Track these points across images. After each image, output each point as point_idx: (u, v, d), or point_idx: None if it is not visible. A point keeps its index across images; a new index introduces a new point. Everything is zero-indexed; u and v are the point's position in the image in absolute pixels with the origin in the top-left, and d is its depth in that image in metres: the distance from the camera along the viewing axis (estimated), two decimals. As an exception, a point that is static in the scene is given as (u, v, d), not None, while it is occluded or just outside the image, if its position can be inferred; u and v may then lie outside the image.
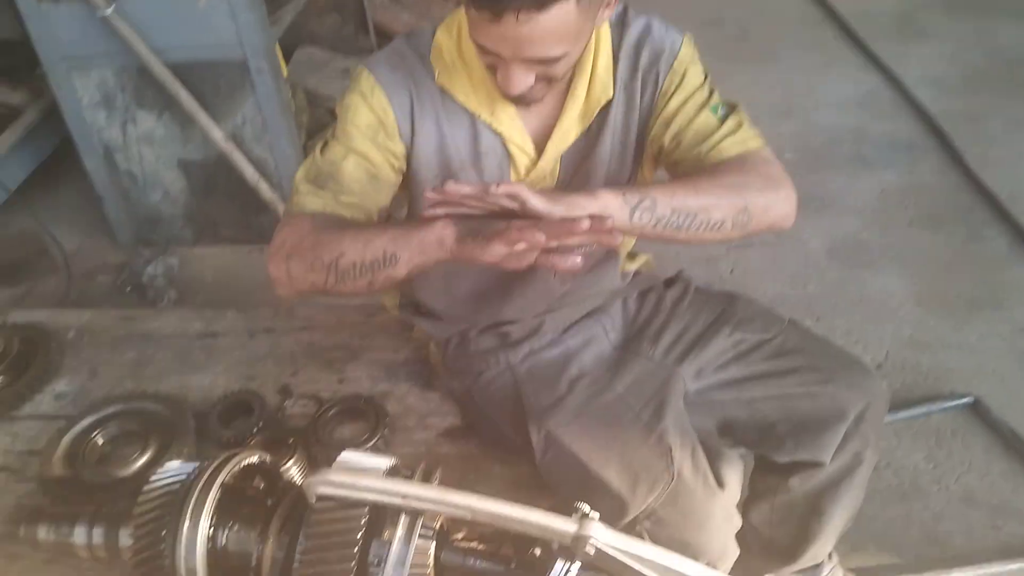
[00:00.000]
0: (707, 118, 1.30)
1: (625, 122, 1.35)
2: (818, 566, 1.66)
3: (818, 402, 1.37)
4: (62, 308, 2.57)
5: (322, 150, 1.31)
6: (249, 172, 2.86)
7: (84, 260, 3.18)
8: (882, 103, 3.69)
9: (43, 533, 1.21)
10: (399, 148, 1.32)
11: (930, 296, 2.65)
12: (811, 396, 1.37)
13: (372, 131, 1.29)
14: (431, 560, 1.06)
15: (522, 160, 1.34)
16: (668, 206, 1.12)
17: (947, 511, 2.01)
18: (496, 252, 1.01)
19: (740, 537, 1.41)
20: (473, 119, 1.31)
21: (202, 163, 2.97)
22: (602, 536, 1.00)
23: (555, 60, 1.16)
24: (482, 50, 1.17)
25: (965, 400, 2.26)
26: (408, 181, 1.37)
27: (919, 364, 2.40)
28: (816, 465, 1.40)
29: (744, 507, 1.55)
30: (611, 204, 1.09)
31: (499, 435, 1.43)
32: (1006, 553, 1.83)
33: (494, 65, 1.19)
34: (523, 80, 1.17)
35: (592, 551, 0.99)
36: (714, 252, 2.87)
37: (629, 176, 1.40)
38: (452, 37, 1.30)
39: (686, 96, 1.31)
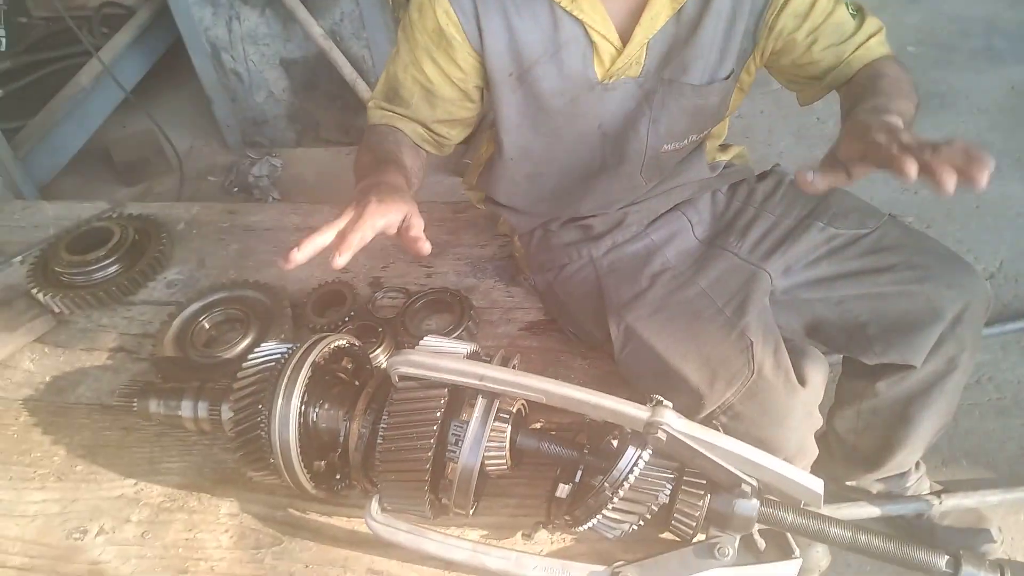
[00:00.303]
0: (843, 14, 1.26)
1: (734, 8, 1.27)
2: (903, 475, 1.63)
3: (913, 301, 1.31)
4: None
5: (392, 60, 1.35)
6: (347, 70, 2.90)
7: (195, 161, 3.33)
8: (1022, -10, 3.37)
9: (154, 406, 1.31)
10: (465, 58, 1.30)
11: (1059, 204, 2.48)
12: (906, 295, 1.31)
13: (436, 38, 1.29)
14: (507, 441, 1.10)
15: (606, 49, 1.28)
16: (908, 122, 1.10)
17: (1052, 429, 1.93)
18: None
19: (823, 443, 1.40)
20: (551, 6, 1.25)
21: (303, 62, 3.03)
22: (674, 423, 1.01)
23: None
24: None
25: (1085, 313, 2.11)
26: (487, 85, 1.35)
27: (1040, 275, 2.26)
28: (906, 368, 1.36)
29: (829, 414, 1.53)
30: None
31: (580, 329, 1.45)
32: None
33: None
34: None
35: (664, 437, 1.01)
36: (818, 152, 2.73)
37: (730, 72, 1.33)
38: None
39: None
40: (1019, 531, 1.61)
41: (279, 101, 3.18)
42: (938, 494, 1.65)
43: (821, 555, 1.64)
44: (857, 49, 1.27)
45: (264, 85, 3.13)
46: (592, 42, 1.28)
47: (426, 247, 1.04)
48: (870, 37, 1.27)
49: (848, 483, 1.65)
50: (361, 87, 2.93)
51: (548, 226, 1.50)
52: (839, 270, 1.36)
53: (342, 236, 0.98)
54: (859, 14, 1.29)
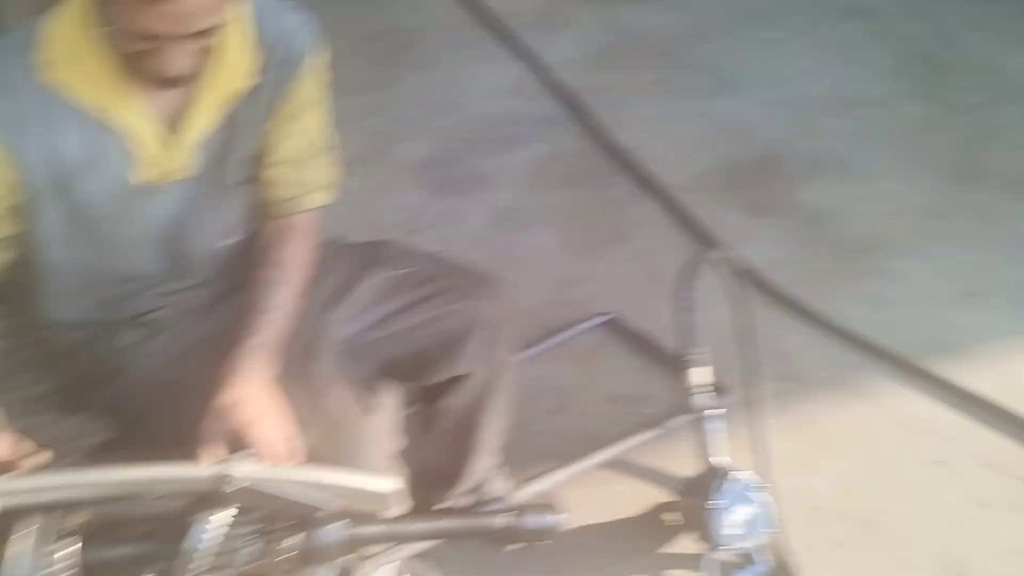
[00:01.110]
0: (316, 150, 1.47)
1: (269, 104, 1.38)
2: (484, 484, 1.81)
3: (460, 318, 1.53)
4: None
5: None
6: None
7: None
8: (529, 87, 4.05)
9: None
10: (2, 173, 1.24)
11: (574, 243, 3.03)
12: (454, 314, 1.53)
13: None
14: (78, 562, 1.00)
15: (148, 154, 1.30)
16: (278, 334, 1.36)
17: (598, 412, 2.35)
18: None
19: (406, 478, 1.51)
20: (88, 116, 1.24)
21: None
22: (239, 471, 1.04)
23: (212, 30, 1.15)
24: (138, 36, 1.11)
25: (604, 317, 2.60)
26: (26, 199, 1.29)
27: (567, 299, 2.74)
28: (465, 379, 1.58)
29: (407, 452, 1.62)
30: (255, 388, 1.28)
31: (162, 433, 1.38)
32: (640, 428, 2.19)
33: (148, 50, 1.14)
34: (185, 59, 1.16)
35: (234, 489, 1.03)
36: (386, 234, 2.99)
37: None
38: (73, 28, 1.19)
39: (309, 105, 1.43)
40: (579, 501, 1.88)
41: None
42: (513, 489, 1.89)
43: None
44: (310, 192, 1.49)
45: None
46: (133, 149, 1.29)
47: None
48: (325, 187, 1.52)
49: (436, 508, 1.74)
50: None
51: (111, 330, 1.46)
52: (397, 306, 1.53)
53: None
54: (328, 152, 1.50)
